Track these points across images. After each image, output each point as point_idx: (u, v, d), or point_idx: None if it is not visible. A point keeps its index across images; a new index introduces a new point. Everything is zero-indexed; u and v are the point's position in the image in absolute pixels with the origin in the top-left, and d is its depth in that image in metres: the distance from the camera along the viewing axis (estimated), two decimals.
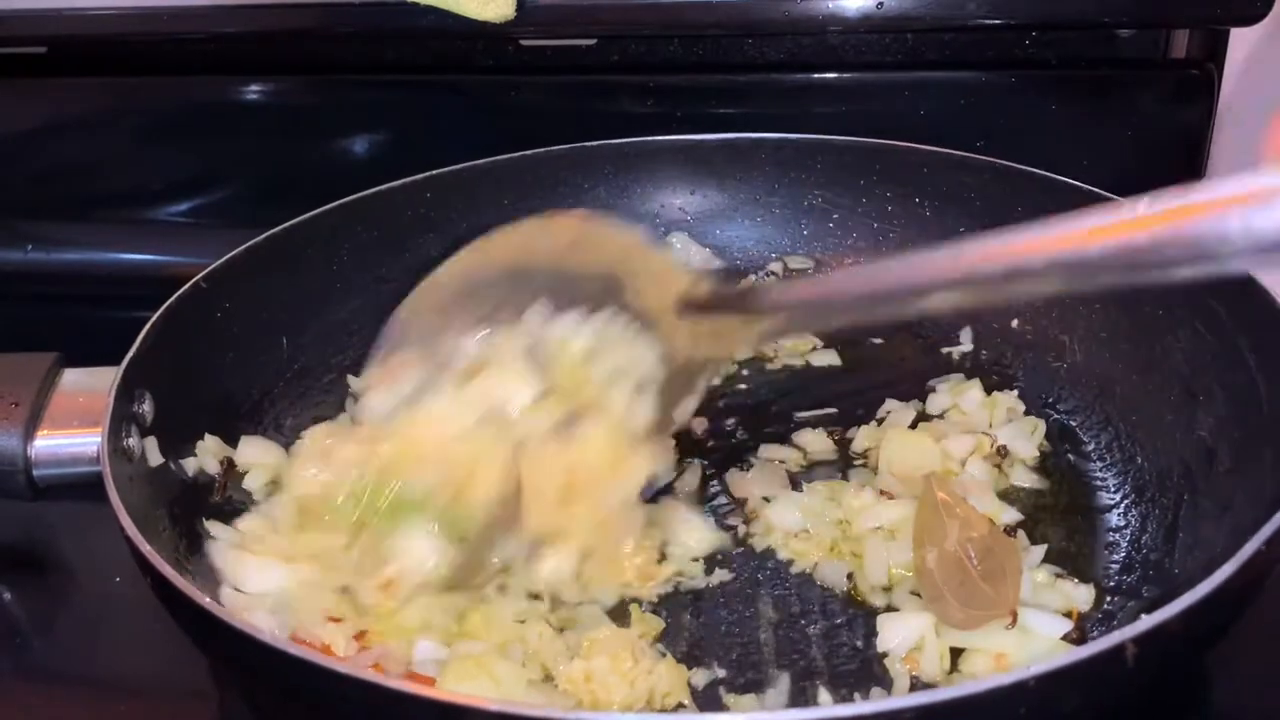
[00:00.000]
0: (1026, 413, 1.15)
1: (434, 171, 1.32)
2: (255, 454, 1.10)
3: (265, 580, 0.96)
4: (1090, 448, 1.12)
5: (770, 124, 1.36)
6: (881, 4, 1.36)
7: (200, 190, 1.55)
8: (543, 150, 1.35)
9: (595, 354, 1.01)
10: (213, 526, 1.01)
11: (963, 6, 1.35)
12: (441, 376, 1.00)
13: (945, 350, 1.25)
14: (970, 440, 1.09)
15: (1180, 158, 1.40)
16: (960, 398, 1.17)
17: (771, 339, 0.96)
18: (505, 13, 1.24)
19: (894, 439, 1.10)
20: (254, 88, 1.49)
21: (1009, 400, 1.16)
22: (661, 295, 1.00)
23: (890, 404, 1.18)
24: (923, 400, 1.18)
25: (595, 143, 1.36)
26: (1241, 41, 1.35)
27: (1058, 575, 0.97)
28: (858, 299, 0.85)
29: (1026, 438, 1.11)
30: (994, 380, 1.20)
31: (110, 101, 1.53)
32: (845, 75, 1.47)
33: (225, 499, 1.06)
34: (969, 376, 1.20)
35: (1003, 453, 1.09)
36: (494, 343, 1.02)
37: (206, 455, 1.06)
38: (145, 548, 0.82)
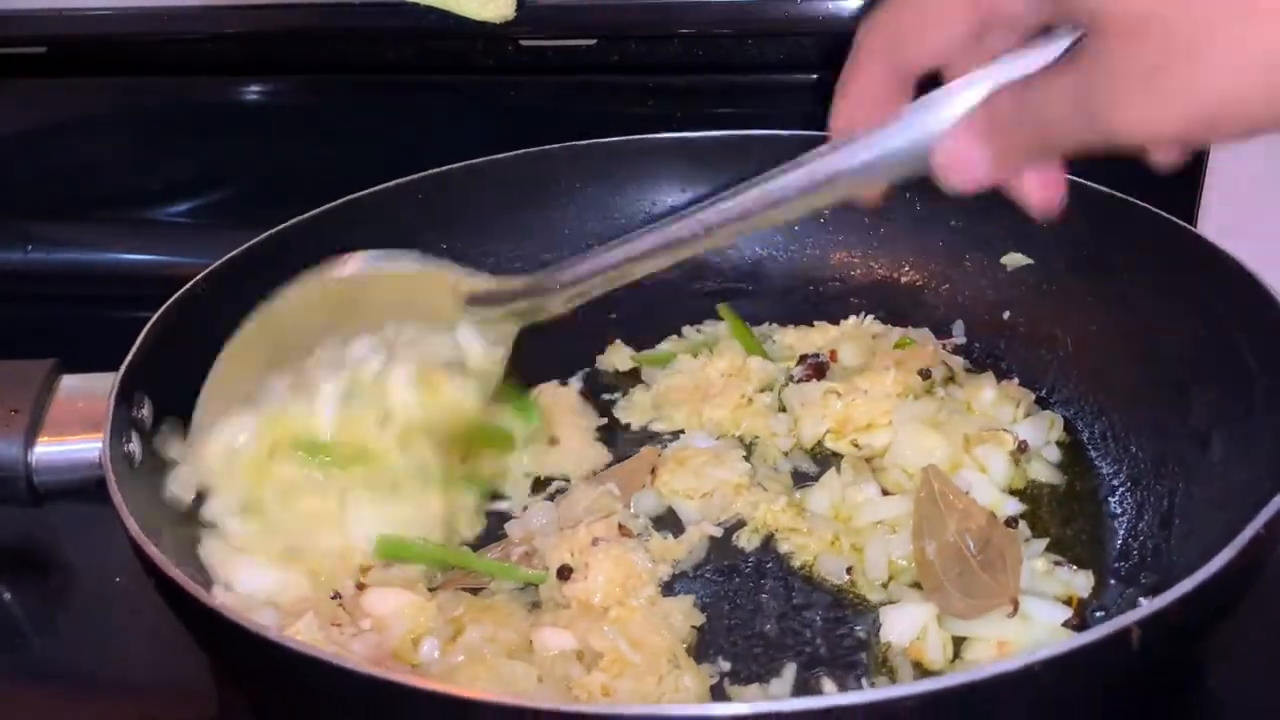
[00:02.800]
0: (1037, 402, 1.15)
1: (434, 171, 1.32)
2: None
3: (256, 580, 0.96)
4: (1085, 437, 1.12)
5: (770, 124, 1.36)
6: None
7: (200, 190, 1.55)
8: (537, 149, 1.35)
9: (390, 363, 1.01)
10: (209, 528, 1.00)
11: None
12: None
13: (939, 342, 1.24)
14: (992, 440, 1.08)
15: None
16: (975, 395, 1.15)
17: (568, 306, 1.01)
18: (505, 13, 1.24)
19: (906, 435, 1.09)
20: (254, 88, 1.49)
21: (1021, 394, 1.15)
22: (450, 305, 1.02)
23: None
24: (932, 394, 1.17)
25: (587, 141, 1.36)
26: None
27: (1056, 563, 0.97)
28: (628, 259, 0.91)
29: (1045, 433, 1.11)
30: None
31: (110, 101, 1.53)
32: None
33: None
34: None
35: (1023, 448, 1.08)
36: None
37: None
38: (152, 551, 0.82)
